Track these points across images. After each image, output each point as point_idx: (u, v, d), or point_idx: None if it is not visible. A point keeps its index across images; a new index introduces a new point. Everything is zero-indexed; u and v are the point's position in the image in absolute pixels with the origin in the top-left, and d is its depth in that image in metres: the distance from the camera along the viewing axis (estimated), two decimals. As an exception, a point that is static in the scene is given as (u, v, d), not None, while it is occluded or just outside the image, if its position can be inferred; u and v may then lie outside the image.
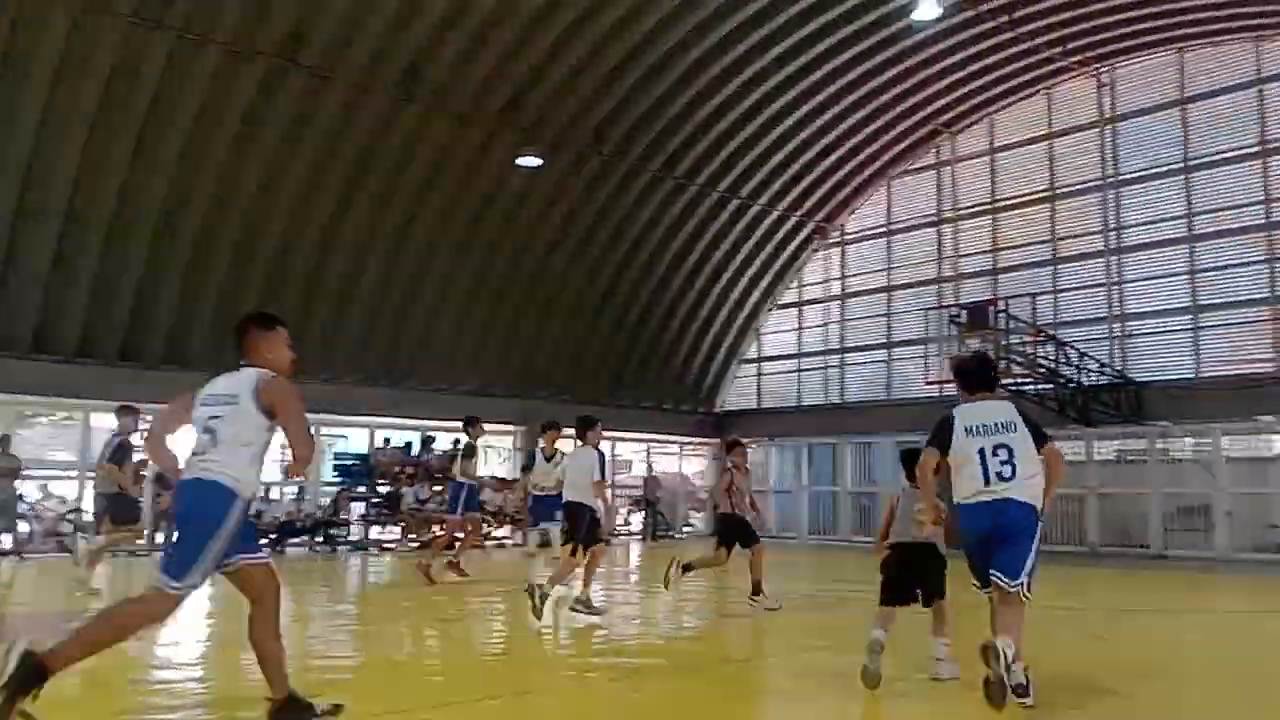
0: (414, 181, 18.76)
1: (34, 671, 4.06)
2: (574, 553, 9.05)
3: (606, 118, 19.62)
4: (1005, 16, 18.73)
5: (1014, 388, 18.36)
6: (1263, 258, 18.40)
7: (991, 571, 5.22)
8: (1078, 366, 18.47)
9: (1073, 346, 18.56)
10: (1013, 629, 5.03)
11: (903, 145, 23.38)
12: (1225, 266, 18.87)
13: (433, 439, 21.35)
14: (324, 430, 20.61)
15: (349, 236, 18.68)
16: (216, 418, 4.56)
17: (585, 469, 9.05)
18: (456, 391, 21.52)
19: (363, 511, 19.73)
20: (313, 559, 17.05)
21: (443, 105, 17.78)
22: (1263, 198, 18.47)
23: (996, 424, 5.37)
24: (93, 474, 11.62)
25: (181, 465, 4.64)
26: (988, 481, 5.26)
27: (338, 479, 19.97)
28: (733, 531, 9.81)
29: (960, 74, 21.10)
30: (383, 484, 19.72)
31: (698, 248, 23.50)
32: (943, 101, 22.08)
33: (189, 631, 8.65)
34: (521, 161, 19.14)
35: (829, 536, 23.94)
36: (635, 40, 18.19)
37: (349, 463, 20.32)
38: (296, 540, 18.27)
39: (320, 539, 18.52)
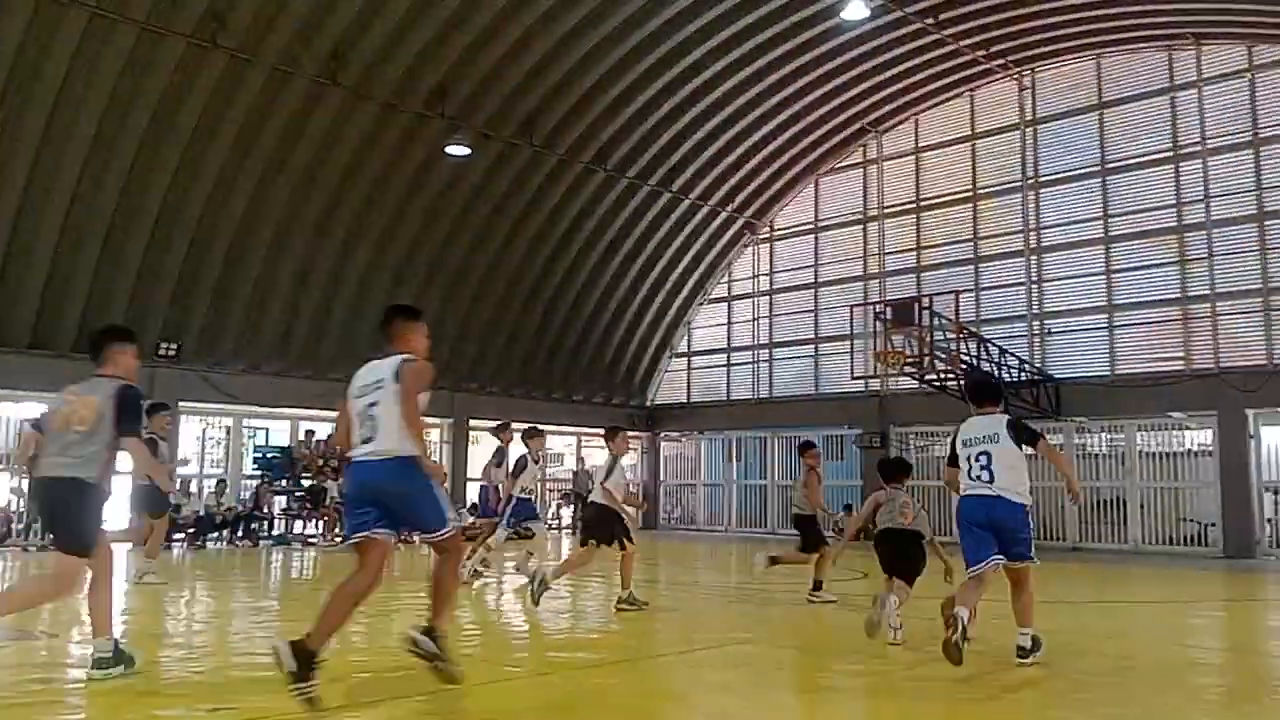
0: (338, 168, 18.38)
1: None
2: (623, 548, 9.14)
3: (537, 108, 19.46)
4: (931, 19, 19.03)
5: (937, 384, 18.73)
6: (1174, 259, 19.03)
7: (1001, 559, 6.44)
8: (998, 363, 18.89)
9: (993, 344, 18.97)
10: (1026, 614, 6.53)
11: (831, 143, 23.65)
12: (1139, 267, 19.47)
13: (358, 432, 20.97)
14: (245, 422, 20.15)
15: (270, 222, 18.23)
16: (374, 404, 5.10)
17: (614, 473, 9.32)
18: (382, 384, 21.20)
19: (285, 505, 19.31)
20: (233, 554, 16.63)
21: (368, 91, 17.44)
22: (1174, 201, 19.10)
23: (983, 436, 6.55)
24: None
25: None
26: (973, 481, 6.52)
27: (258, 472, 19.53)
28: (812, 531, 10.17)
29: (886, 74, 21.39)
30: (306, 477, 19.32)
31: (629, 241, 23.48)
32: (869, 101, 22.37)
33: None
34: (450, 150, 18.90)
35: (757, 529, 24.19)
36: (565, 30, 18.04)
37: (270, 455, 19.87)
38: (216, 535, 17.84)
39: (240, 533, 18.09)
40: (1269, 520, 17.54)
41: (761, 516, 24.50)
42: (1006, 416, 6.73)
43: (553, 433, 25.04)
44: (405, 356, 5.18)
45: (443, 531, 5.13)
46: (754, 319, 25.41)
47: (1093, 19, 19.25)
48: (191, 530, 17.38)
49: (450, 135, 18.68)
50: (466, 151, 19.03)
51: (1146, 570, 15.01)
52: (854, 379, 20.28)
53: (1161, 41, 19.49)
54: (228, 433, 20.00)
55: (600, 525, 9.23)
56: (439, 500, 5.14)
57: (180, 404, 18.39)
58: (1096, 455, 19.56)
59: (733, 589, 11.81)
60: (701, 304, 26.35)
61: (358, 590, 5.05)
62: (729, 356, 25.77)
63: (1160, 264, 19.21)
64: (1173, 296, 19.00)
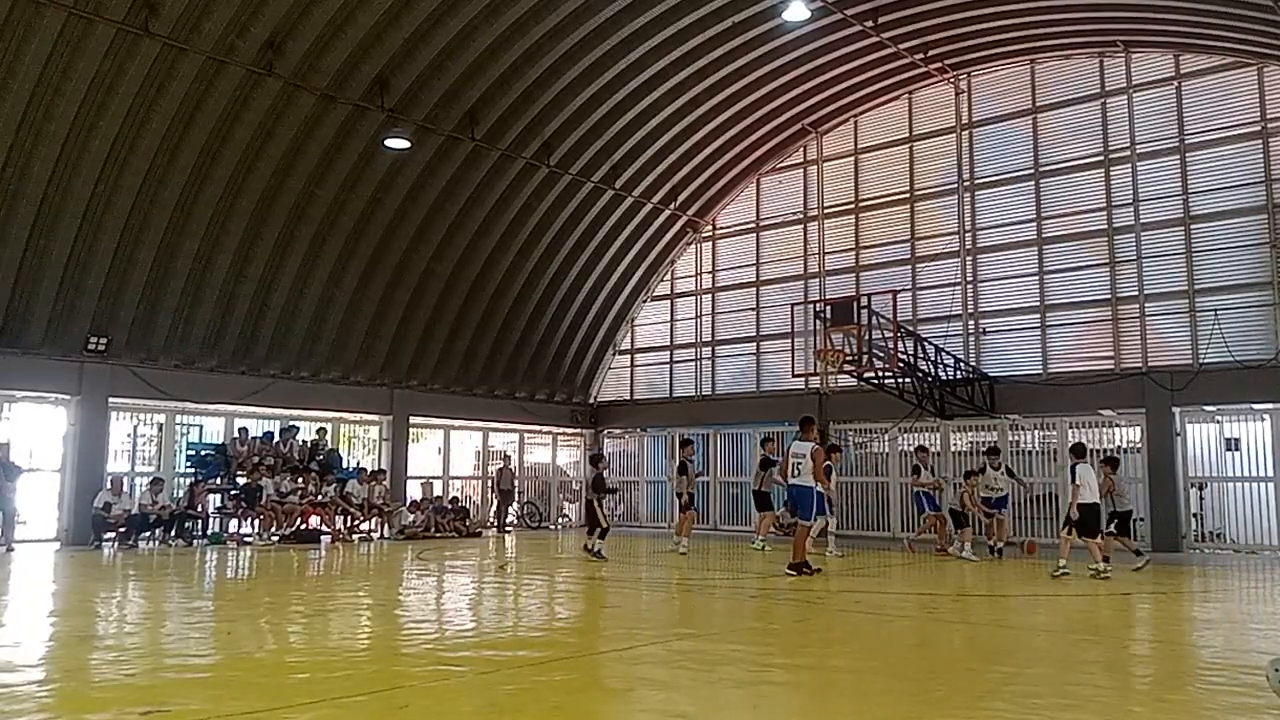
0: (274, 160, 17.99)
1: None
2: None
3: (479, 101, 19.26)
4: (870, 21, 19.25)
5: (875, 382, 18.98)
6: (1104, 261, 19.53)
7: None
8: (934, 362, 19.19)
9: (930, 342, 19.28)
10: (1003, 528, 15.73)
11: (772, 143, 23.82)
12: (1070, 269, 19.94)
13: (295, 429, 20.66)
14: (177, 419, 19.69)
15: (203, 214, 17.80)
16: (800, 462, 12.45)
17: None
18: (319, 380, 20.89)
19: (219, 504, 18.93)
20: (166, 553, 16.26)
21: (306, 82, 17.11)
22: (1104, 204, 19.59)
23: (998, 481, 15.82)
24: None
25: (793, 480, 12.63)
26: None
27: (192, 470, 19.11)
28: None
29: (827, 76, 21.58)
30: (241, 475, 18.95)
31: (572, 238, 23.41)
32: (810, 102, 22.56)
33: (30, 631, 8.13)
34: (390, 143, 18.66)
35: (700, 526, 24.27)
36: (507, 25, 17.87)
37: (204, 453, 19.46)
38: (148, 534, 17.43)
39: (174, 532, 17.70)
40: (1194, 515, 18.08)
41: (704, 513, 24.60)
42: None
43: (495, 430, 25.04)
44: (813, 445, 12.58)
45: (806, 520, 12.70)
46: (696, 316, 25.53)
47: (1027, 25, 19.65)
48: (123, 529, 16.95)
49: (390, 128, 18.45)
50: (406, 145, 18.82)
51: (1077, 564, 15.36)
52: (795, 376, 20.47)
53: (1093, 49, 19.97)
54: (160, 430, 19.53)
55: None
56: (813, 505, 12.66)
57: (110, 400, 17.94)
58: (1030, 452, 19.97)
59: (675, 584, 11.84)
60: (644, 301, 26.40)
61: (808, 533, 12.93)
62: (672, 354, 25.84)
63: (1091, 265, 19.69)
64: (1102, 297, 19.48)
